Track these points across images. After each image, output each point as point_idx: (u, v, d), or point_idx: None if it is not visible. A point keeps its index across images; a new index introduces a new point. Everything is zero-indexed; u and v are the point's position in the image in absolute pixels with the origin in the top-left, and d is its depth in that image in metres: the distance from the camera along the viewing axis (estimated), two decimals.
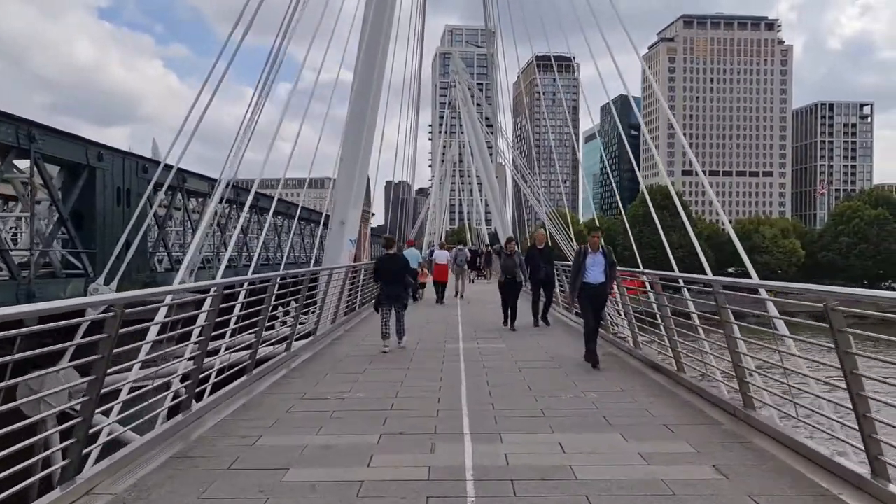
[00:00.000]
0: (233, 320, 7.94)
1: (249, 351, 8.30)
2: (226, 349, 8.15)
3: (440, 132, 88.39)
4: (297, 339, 11.03)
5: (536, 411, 6.41)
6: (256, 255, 17.18)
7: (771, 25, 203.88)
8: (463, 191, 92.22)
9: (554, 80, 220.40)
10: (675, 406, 6.66)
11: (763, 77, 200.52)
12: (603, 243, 9.65)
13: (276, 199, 19.12)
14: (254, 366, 7.71)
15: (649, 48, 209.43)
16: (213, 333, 6.71)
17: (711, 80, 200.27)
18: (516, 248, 13.52)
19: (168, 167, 19.02)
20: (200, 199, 27.56)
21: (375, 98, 19.81)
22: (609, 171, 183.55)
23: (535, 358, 9.63)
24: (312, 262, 28.76)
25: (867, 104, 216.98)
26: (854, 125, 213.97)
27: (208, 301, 6.68)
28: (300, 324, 11.11)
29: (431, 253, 27.75)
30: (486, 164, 50.48)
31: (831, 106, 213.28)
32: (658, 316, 9.17)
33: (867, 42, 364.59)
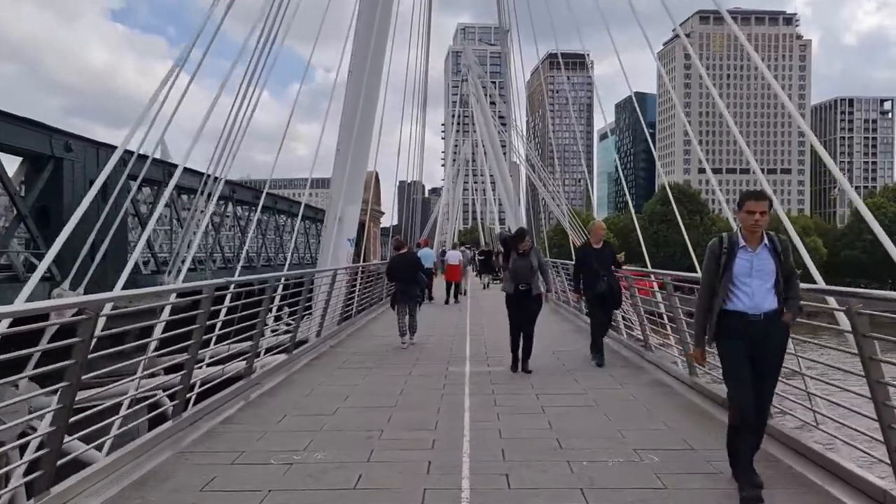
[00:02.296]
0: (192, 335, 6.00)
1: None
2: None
3: (453, 129, 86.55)
4: (271, 353, 9.17)
5: None
6: (242, 255, 14.90)
7: (789, 20, 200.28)
8: (476, 190, 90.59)
9: (567, 77, 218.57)
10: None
11: (781, 73, 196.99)
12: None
13: (260, 195, 16.97)
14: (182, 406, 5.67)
15: (664, 45, 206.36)
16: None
17: (728, 76, 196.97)
18: (532, 244, 8.88)
19: (145, 159, 17.32)
20: (193, 196, 25.73)
21: (374, 83, 17.88)
22: (620, 171, 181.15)
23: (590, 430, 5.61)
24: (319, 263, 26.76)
25: (888, 99, 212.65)
26: (874, 121, 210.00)
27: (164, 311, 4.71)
28: (268, 339, 9.15)
29: (444, 253, 27.32)
30: (499, 161, 48.52)
31: (851, 101, 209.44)
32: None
33: (883, 37, 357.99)
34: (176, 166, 24.00)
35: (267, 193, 41.17)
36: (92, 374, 4.88)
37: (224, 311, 7.11)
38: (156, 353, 6.35)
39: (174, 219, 25.20)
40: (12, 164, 16.57)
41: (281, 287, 9.42)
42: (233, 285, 7.27)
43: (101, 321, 7.28)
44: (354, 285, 16.17)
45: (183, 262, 19.85)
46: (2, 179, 14.63)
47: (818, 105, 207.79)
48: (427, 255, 19.37)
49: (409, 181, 49.30)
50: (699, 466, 4.60)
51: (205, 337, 6.97)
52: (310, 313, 11.30)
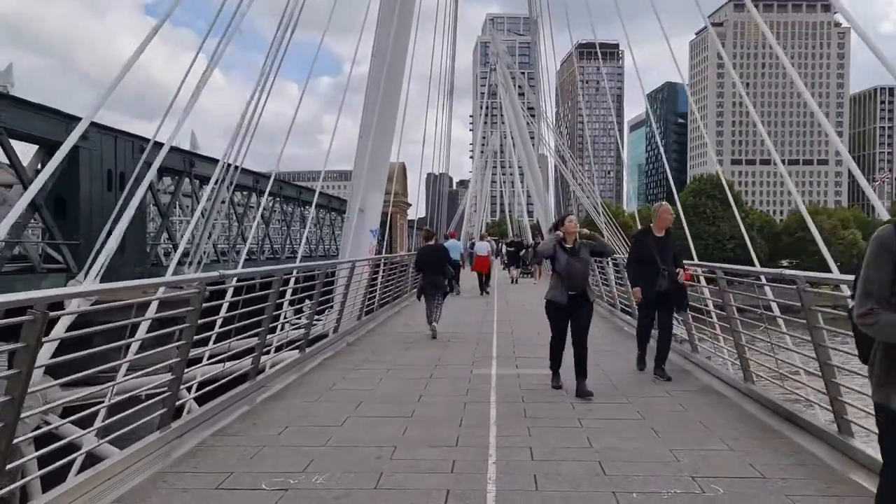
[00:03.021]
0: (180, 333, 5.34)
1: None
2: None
3: (481, 121, 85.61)
4: (285, 350, 8.52)
5: None
6: (244, 248, 14.28)
7: (827, 7, 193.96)
8: (504, 182, 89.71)
9: (598, 68, 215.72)
10: None
11: (818, 61, 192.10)
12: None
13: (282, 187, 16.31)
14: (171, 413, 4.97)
15: (697, 34, 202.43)
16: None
17: (763, 65, 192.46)
18: (582, 235, 7.08)
19: (164, 147, 16.87)
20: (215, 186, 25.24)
21: (397, 66, 17.13)
22: (663, 152, 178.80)
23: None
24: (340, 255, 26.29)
25: None
26: None
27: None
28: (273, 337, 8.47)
29: (472, 245, 27.14)
30: (527, 151, 47.57)
31: (891, 90, 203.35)
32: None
33: None
34: (197, 155, 23.59)
35: (293, 185, 40.76)
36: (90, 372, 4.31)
37: (226, 306, 6.39)
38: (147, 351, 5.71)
39: (194, 209, 24.73)
40: (28, 151, 16.17)
41: (293, 280, 8.71)
42: (235, 279, 6.58)
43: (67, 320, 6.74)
44: (376, 278, 15.48)
45: (205, 253, 19.45)
46: (14, 166, 14.18)
47: (856, 94, 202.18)
48: (454, 247, 19.26)
49: (436, 173, 48.75)
50: (776, 502, 3.77)
51: (207, 334, 6.32)
52: (327, 308, 10.60)
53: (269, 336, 8.37)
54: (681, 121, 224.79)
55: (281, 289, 8.25)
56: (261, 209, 24.75)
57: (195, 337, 5.28)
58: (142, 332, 5.99)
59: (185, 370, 5.16)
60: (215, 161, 22.16)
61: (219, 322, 6.31)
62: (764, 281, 7.49)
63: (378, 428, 5.29)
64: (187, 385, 5.61)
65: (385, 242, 53.00)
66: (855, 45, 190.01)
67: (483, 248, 21.65)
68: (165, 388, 5.00)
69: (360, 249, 16.25)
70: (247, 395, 6.51)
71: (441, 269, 11.46)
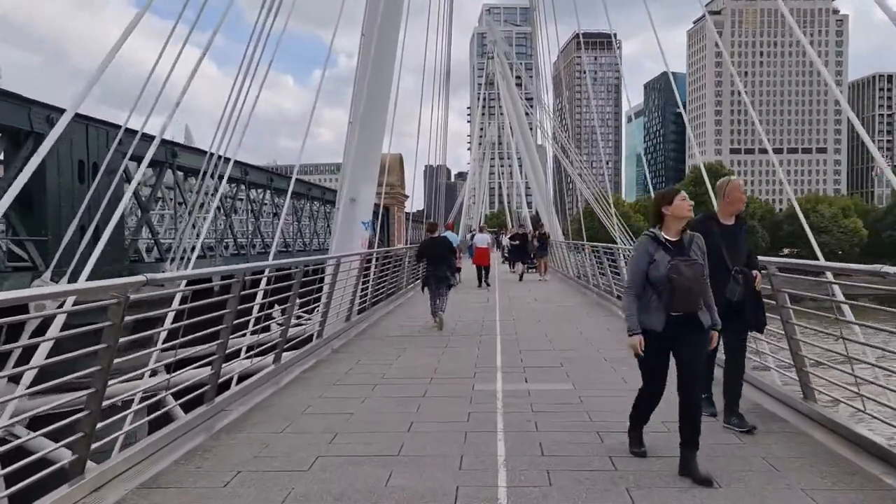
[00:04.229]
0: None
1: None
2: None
3: (479, 111, 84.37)
4: (259, 356, 7.34)
5: None
6: (197, 244, 13.02)
7: None
8: (502, 173, 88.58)
9: (595, 57, 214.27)
10: None
11: (817, 48, 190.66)
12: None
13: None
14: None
15: (694, 23, 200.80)
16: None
17: (761, 53, 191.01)
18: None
19: (146, 137, 15.80)
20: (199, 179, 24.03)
21: (388, 50, 15.94)
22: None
23: None
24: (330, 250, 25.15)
25: None
26: None
27: None
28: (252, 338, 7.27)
29: (472, 237, 26.28)
30: (526, 140, 46.32)
31: (890, 77, 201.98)
32: None
33: None
34: (180, 146, 22.38)
35: (285, 177, 39.56)
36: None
37: (171, 316, 5.23)
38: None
39: (178, 202, 23.51)
40: None
41: (265, 280, 7.54)
42: (182, 282, 5.40)
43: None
44: (369, 274, 14.32)
45: (186, 249, 18.25)
46: None
47: (855, 82, 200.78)
48: (451, 238, 18.70)
49: (434, 165, 47.61)
50: None
51: (157, 348, 5.15)
52: (315, 308, 9.44)
53: (237, 345, 7.26)
54: (679, 111, 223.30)
55: (252, 290, 7.15)
56: (260, 203, 23.54)
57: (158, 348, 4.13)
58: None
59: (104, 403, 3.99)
60: (201, 152, 20.93)
61: (162, 335, 5.12)
62: (831, 277, 6.19)
63: (354, 473, 4.11)
64: (107, 420, 4.41)
65: (384, 235, 51.82)
66: (853, 33, 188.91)
67: (483, 240, 21.30)
68: (75, 430, 3.83)
69: (352, 243, 15.10)
70: (203, 422, 5.36)
71: (445, 261, 11.74)
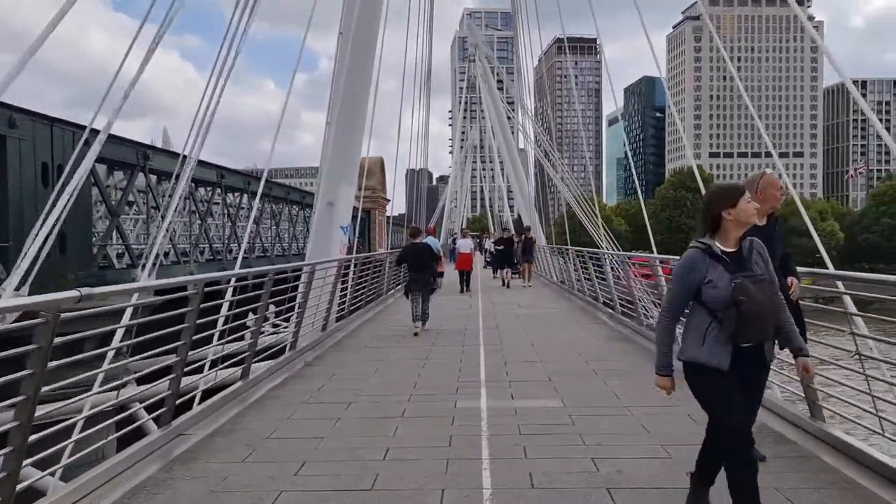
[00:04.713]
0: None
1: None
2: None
3: (460, 115, 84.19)
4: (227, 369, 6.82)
5: None
6: (164, 250, 12.44)
7: (801, 0, 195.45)
8: (484, 177, 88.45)
9: (576, 62, 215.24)
10: None
11: (793, 55, 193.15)
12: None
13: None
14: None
15: (674, 27, 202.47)
16: None
17: (739, 58, 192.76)
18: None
19: (114, 139, 15.24)
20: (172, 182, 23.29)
21: (369, 48, 15.47)
22: (630, 155, 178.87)
23: None
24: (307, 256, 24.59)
25: None
26: (888, 103, 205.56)
27: None
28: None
29: (454, 241, 24.94)
30: (508, 143, 46.00)
31: (864, 83, 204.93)
32: None
33: (892, 19, 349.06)
34: (153, 148, 21.74)
35: (266, 180, 38.86)
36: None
37: (119, 334, 4.69)
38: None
39: (152, 207, 22.81)
40: None
41: (231, 290, 7.01)
42: (135, 296, 4.85)
43: None
44: (347, 280, 13.80)
45: (157, 255, 17.61)
46: None
47: (830, 87, 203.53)
48: (433, 244, 18.57)
49: (415, 168, 47.20)
50: None
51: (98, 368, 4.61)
52: (287, 318, 8.91)
53: (203, 357, 6.74)
54: (658, 115, 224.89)
55: (219, 301, 6.63)
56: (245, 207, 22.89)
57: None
58: None
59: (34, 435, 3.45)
60: (174, 154, 20.28)
61: (109, 355, 4.59)
62: (841, 287, 5.71)
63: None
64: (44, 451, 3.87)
65: (365, 240, 51.18)
66: (828, 39, 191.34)
67: (466, 245, 21.19)
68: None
69: (330, 248, 14.57)
70: (157, 449, 4.84)
71: (428, 266, 11.71)
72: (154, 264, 17.18)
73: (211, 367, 6.83)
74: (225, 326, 6.70)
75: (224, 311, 6.80)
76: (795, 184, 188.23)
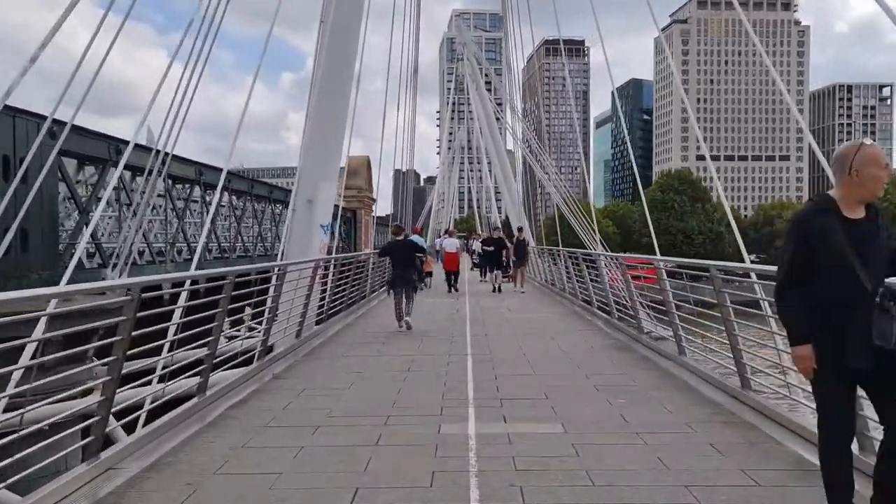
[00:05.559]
0: None
1: None
2: None
3: (448, 115, 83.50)
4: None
5: None
6: (133, 249, 11.62)
7: (787, 5, 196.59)
8: (472, 178, 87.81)
9: (563, 64, 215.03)
10: None
11: (779, 59, 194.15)
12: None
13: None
14: None
15: (662, 30, 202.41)
16: None
17: (726, 62, 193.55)
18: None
19: (80, 131, 14.54)
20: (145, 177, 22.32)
21: (352, 37, 14.68)
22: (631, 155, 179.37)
23: None
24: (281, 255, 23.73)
25: (887, 85, 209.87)
26: (873, 107, 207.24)
27: None
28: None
29: (441, 241, 25.69)
30: (496, 143, 45.33)
31: (849, 88, 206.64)
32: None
33: (876, 24, 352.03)
34: (125, 142, 20.80)
35: (248, 179, 37.94)
36: None
37: (30, 349, 3.85)
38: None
39: (125, 204, 21.85)
40: None
41: (185, 295, 6.15)
42: (52, 303, 4.00)
43: None
44: (327, 282, 12.97)
45: (129, 254, 16.72)
46: None
47: (816, 91, 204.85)
48: (418, 241, 18.27)
49: (402, 169, 46.52)
50: None
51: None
52: (254, 324, 8.07)
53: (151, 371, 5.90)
54: (646, 117, 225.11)
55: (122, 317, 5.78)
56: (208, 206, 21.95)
57: None
58: None
59: None
60: (148, 149, 19.34)
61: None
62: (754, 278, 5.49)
63: None
64: None
65: (350, 240, 50.29)
66: (813, 44, 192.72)
67: (452, 244, 20.74)
68: None
69: (309, 248, 13.73)
70: (82, 486, 4.01)
71: (411, 263, 11.69)
72: (126, 263, 16.31)
73: (164, 380, 5.99)
74: (176, 337, 5.85)
75: (176, 317, 5.96)
76: (781, 187, 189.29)
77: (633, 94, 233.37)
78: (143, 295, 4.73)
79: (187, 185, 26.72)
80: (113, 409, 4.72)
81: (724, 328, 6.20)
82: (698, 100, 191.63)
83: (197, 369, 6.28)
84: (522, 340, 9.88)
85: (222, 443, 4.96)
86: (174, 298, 10.82)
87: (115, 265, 16.94)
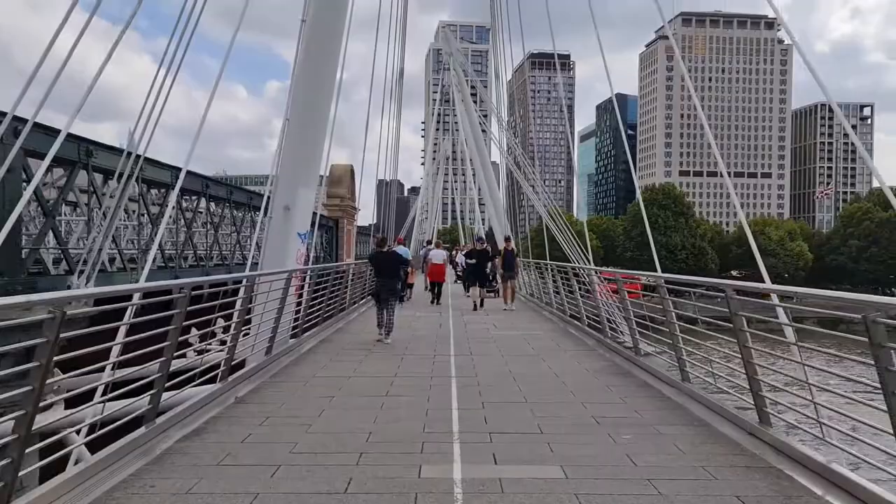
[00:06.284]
0: None
1: None
2: None
3: (433, 125, 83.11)
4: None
5: None
6: (100, 257, 10.91)
7: (771, 24, 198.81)
8: (456, 189, 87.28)
9: (549, 78, 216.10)
10: None
11: (762, 76, 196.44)
12: None
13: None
14: None
15: (646, 46, 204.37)
16: None
17: (710, 78, 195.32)
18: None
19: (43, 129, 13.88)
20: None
21: (335, 35, 14.05)
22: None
23: None
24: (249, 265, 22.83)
25: (867, 105, 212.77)
26: (854, 127, 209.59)
27: None
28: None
29: (426, 252, 24.68)
30: (481, 154, 44.84)
31: (831, 107, 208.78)
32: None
33: (856, 45, 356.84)
34: (97, 144, 19.93)
35: (226, 185, 37.11)
36: None
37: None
38: None
39: (94, 208, 20.91)
40: None
41: (132, 310, 5.40)
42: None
43: None
44: (302, 294, 12.21)
45: (96, 262, 15.85)
46: None
47: (798, 110, 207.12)
48: (402, 252, 17.80)
49: (385, 179, 45.89)
50: None
51: None
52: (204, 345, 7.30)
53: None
54: (630, 132, 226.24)
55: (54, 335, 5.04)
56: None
57: None
58: None
59: None
60: (122, 152, 18.46)
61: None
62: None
63: None
64: None
65: (331, 249, 49.27)
66: (797, 62, 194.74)
67: (438, 255, 20.25)
68: None
69: (285, 257, 12.97)
70: None
71: (396, 274, 12.02)
72: (94, 270, 15.43)
73: (99, 412, 5.21)
74: (118, 358, 5.08)
75: (120, 336, 5.21)
76: (763, 204, 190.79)
77: (618, 108, 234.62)
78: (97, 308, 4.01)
79: (162, 190, 25.83)
80: (38, 445, 3.99)
81: (739, 355, 5.53)
82: (682, 115, 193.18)
83: (146, 394, 5.52)
84: (511, 361, 9.17)
85: (164, 486, 4.21)
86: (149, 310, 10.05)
87: (81, 272, 16.09)
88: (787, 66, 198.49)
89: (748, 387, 5.50)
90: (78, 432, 4.90)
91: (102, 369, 5.34)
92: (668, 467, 4.59)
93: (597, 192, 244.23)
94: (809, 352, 5.33)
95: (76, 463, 4.65)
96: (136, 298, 5.61)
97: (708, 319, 6.81)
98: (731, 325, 5.56)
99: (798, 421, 5.22)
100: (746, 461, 4.72)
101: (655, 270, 9.14)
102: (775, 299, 6.12)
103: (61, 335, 3.72)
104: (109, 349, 5.13)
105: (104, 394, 5.11)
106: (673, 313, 7.27)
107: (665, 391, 7.15)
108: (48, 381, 3.84)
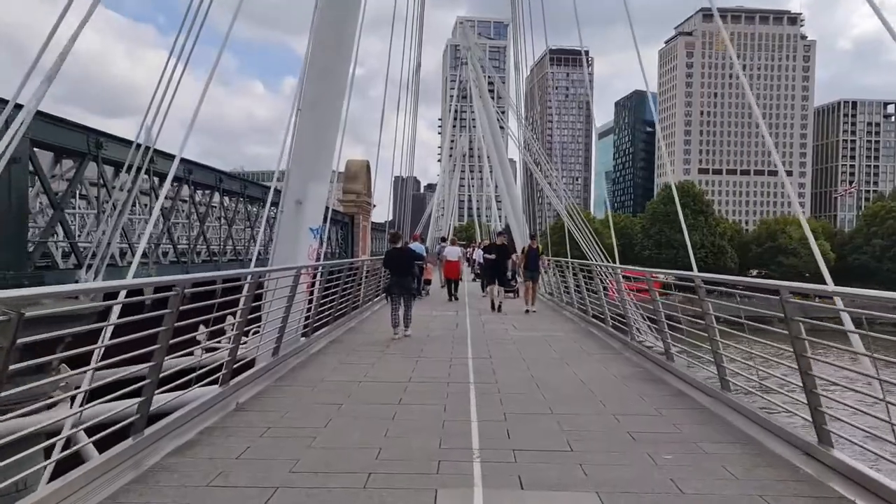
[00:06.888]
0: None
1: None
2: None
3: (450, 122, 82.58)
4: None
5: None
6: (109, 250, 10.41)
7: (794, 20, 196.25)
8: (472, 186, 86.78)
9: (567, 74, 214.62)
10: None
11: (784, 73, 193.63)
12: None
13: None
14: None
15: (666, 42, 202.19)
16: None
17: (731, 75, 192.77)
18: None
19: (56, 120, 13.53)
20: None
21: (349, 18, 13.52)
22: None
23: None
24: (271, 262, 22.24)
25: (891, 102, 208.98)
26: (878, 124, 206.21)
27: None
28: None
29: (441, 248, 24.87)
30: (498, 149, 44.14)
31: (854, 104, 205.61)
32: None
33: (879, 42, 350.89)
34: (106, 135, 19.57)
35: (240, 179, 36.82)
36: None
37: None
38: None
39: (104, 201, 20.56)
40: None
41: (118, 311, 4.89)
42: None
43: None
44: (313, 291, 11.71)
45: (105, 255, 15.50)
46: None
47: (821, 107, 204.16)
48: (418, 249, 18.50)
49: (402, 175, 45.43)
50: None
51: None
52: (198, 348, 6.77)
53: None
54: (649, 129, 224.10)
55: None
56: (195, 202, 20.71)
57: None
58: None
59: None
60: (129, 143, 18.05)
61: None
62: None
63: None
64: None
65: (346, 245, 48.99)
66: (818, 60, 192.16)
67: (454, 252, 20.48)
68: None
69: (297, 253, 12.47)
70: None
71: (409, 271, 11.81)
72: (102, 264, 15.05)
73: (76, 423, 4.71)
74: (100, 363, 4.56)
75: (105, 338, 4.70)
76: (783, 202, 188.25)
77: (636, 105, 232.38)
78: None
79: (175, 184, 25.49)
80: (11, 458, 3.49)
81: (795, 365, 4.91)
82: (702, 112, 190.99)
83: (134, 400, 5.01)
84: (532, 366, 8.58)
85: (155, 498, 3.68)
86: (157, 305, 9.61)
87: (89, 266, 15.74)
88: (810, 63, 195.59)
89: (804, 400, 4.88)
90: (53, 445, 4.37)
91: (84, 374, 4.83)
92: (720, 495, 4.00)
93: (614, 190, 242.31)
94: (882, 363, 4.66)
95: (49, 482, 4.14)
96: (121, 297, 5.09)
97: (751, 324, 6.17)
98: (777, 330, 4.96)
99: (864, 441, 4.60)
100: (811, 490, 4.12)
101: (674, 269, 8.83)
102: (839, 303, 5.47)
103: (18, 340, 3.19)
104: (90, 352, 4.61)
105: (83, 403, 4.59)
106: (713, 316, 6.65)
107: (702, 401, 6.54)
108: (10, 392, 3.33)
